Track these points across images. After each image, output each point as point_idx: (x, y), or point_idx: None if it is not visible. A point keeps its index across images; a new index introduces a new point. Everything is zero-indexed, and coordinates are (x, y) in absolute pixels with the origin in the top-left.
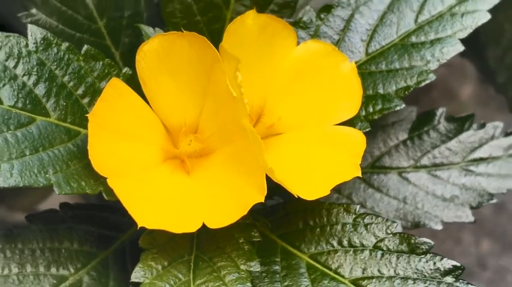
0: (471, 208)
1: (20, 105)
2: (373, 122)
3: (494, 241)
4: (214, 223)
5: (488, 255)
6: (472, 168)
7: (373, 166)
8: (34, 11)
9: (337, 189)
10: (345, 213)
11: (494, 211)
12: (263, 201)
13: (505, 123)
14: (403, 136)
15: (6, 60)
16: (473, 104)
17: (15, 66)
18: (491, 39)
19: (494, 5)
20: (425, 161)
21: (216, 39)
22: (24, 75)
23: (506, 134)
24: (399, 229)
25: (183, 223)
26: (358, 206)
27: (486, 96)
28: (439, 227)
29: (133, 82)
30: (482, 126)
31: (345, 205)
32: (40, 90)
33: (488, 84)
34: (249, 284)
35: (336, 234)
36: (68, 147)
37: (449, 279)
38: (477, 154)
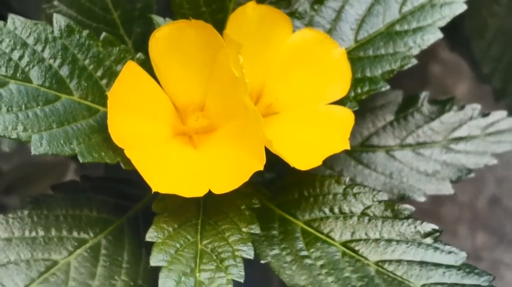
0: (451, 182)
1: (47, 84)
2: (361, 103)
3: (489, 234)
4: (219, 189)
5: (483, 248)
6: (452, 146)
7: (362, 145)
8: (56, 2)
9: (330, 166)
10: (336, 184)
11: (489, 205)
12: (262, 169)
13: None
14: (390, 117)
15: (35, 45)
16: (468, 101)
17: (43, 50)
18: (476, 33)
19: (479, 3)
20: (410, 140)
21: (219, 27)
22: (50, 58)
23: (483, 115)
24: (384, 197)
25: (192, 188)
26: (347, 178)
27: (480, 94)
28: (422, 199)
29: (146, 66)
30: (461, 108)
31: (336, 177)
32: (64, 71)
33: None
34: (250, 244)
35: (328, 202)
36: (89, 122)
37: (428, 240)
38: (457, 133)
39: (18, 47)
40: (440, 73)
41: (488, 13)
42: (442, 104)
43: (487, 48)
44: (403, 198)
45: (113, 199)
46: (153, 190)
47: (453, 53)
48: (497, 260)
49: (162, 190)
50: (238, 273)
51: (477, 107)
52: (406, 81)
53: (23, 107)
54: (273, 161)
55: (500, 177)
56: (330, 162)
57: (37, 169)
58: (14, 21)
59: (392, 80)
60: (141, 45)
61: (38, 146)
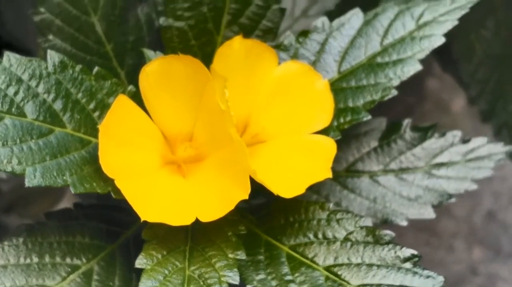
0: (433, 206)
1: (41, 118)
2: (344, 131)
3: (486, 248)
4: (206, 217)
5: (480, 262)
6: (434, 171)
7: (347, 171)
8: (51, 37)
9: (316, 191)
10: (320, 210)
11: (485, 220)
12: (247, 198)
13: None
14: (374, 144)
15: (30, 80)
16: (464, 116)
17: (37, 85)
18: (464, 56)
19: (466, 27)
20: (393, 165)
21: (208, 60)
22: (44, 93)
23: (464, 141)
24: (366, 223)
25: (179, 217)
26: (331, 204)
27: (475, 109)
28: (404, 223)
29: (137, 98)
30: (443, 134)
31: (320, 203)
32: (58, 105)
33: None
34: (235, 269)
35: (312, 228)
36: (82, 154)
37: (407, 265)
38: (439, 159)
39: (13, 83)
40: (437, 88)
41: (476, 37)
42: (424, 131)
43: (475, 70)
44: (386, 222)
45: (105, 225)
46: (142, 219)
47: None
48: (494, 274)
49: (151, 219)
50: None
51: (458, 134)
52: (403, 96)
53: (18, 141)
54: (260, 188)
55: (496, 192)
56: (316, 187)
57: (36, 189)
58: (10, 58)
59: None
60: (133, 76)
61: (32, 179)
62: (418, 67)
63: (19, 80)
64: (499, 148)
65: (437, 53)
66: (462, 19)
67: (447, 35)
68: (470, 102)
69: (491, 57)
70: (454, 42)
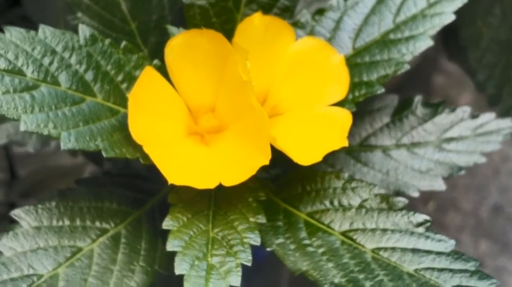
0: (443, 178)
1: (74, 87)
2: (360, 106)
3: (492, 242)
4: (229, 181)
5: (486, 255)
6: (444, 145)
7: (361, 145)
8: (79, 14)
9: (331, 164)
10: (335, 179)
11: (492, 213)
12: (268, 163)
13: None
14: (386, 119)
15: (63, 52)
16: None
17: (70, 57)
18: (471, 42)
19: (474, 14)
20: (405, 140)
21: (228, 36)
22: (76, 64)
23: (473, 116)
24: (380, 191)
25: (204, 181)
26: (346, 174)
27: (482, 104)
28: (416, 194)
29: (161, 72)
30: (453, 110)
31: (336, 173)
32: (89, 76)
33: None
34: (257, 232)
35: (328, 196)
36: (112, 122)
37: (420, 229)
38: (449, 134)
39: (48, 54)
40: (444, 84)
41: (483, 24)
42: (435, 107)
43: (482, 56)
44: (398, 194)
45: (131, 193)
46: (169, 182)
47: (453, 63)
48: (500, 267)
49: (177, 182)
50: (246, 257)
51: (467, 109)
52: (411, 92)
53: (53, 107)
54: (278, 158)
55: (503, 186)
56: (331, 160)
57: (53, 174)
58: (45, 31)
59: (398, 91)
60: (156, 53)
61: (67, 142)
62: (430, 42)
63: (53, 52)
64: (507, 123)
65: (444, 42)
66: (470, 7)
67: (455, 22)
68: (477, 87)
69: (498, 43)
70: (462, 29)
